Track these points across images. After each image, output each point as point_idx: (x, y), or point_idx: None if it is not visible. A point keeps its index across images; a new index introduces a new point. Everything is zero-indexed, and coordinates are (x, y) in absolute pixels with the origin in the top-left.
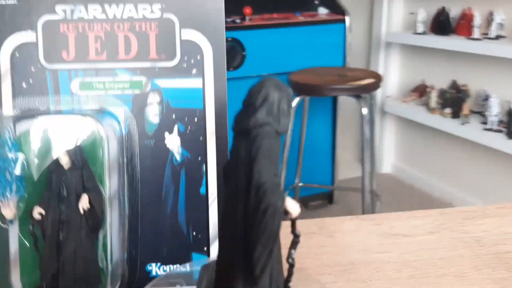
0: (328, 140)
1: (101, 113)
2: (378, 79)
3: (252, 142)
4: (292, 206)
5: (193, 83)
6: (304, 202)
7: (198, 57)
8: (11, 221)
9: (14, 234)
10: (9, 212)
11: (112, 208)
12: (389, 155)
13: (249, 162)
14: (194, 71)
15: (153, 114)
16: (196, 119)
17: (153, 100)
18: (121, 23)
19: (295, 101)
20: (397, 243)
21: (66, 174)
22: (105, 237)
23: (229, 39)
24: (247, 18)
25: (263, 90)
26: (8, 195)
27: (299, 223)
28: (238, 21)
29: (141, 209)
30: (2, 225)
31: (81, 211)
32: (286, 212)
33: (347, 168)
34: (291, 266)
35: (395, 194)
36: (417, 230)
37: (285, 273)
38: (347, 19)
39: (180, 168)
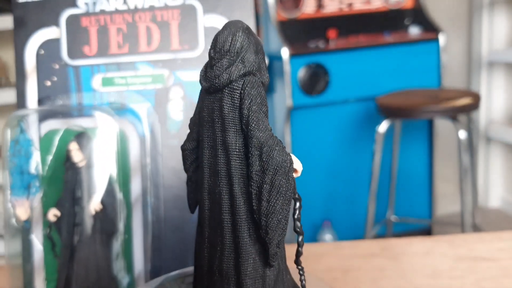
0: (424, 169)
1: (122, 111)
2: (476, 99)
3: (241, 94)
4: (298, 162)
5: None
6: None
7: None
8: (26, 222)
9: (39, 238)
10: (23, 212)
11: (134, 213)
12: (497, 187)
13: (242, 118)
14: None
15: (176, 110)
16: None
17: (176, 95)
18: (142, 13)
19: (384, 126)
20: (475, 268)
21: (81, 173)
22: (126, 244)
23: (313, 65)
24: (332, 41)
25: (237, 35)
26: (23, 194)
27: (358, 244)
28: (321, 45)
29: (164, 215)
30: (16, 225)
31: (92, 212)
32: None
33: (449, 202)
34: (300, 235)
35: (504, 230)
36: (501, 253)
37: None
38: (441, 37)
39: None
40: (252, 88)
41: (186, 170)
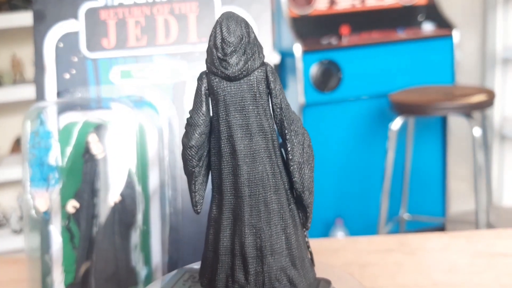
0: (438, 167)
1: (140, 103)
2: (490, 96)
3: (268, 78)
4: None
5: None
6: None
7: None
8: (46, 213)
9: (58, 229)
10: (43, 203)
11: (152, 205)
12: (511, 185)
13: (274, 100)
14: None
15: None
16: None
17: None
18: (160, 5)
19: (397, 123)
20: (494, 264)
21: (100, 165)
22: (145, 236)
23: (325, 61)
24: (344, 38)
25: (247, 24)
26: (43, 186)
27: (374, 239)
28: (334, 42)
29: (182, 207)
30: (35, 217)
31: (111, 204)
32: None
33: (462, 200)
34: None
35: None
36: None
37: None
38: (455, 33)
39: None
40: (275, 73)
41: (192, 167)
